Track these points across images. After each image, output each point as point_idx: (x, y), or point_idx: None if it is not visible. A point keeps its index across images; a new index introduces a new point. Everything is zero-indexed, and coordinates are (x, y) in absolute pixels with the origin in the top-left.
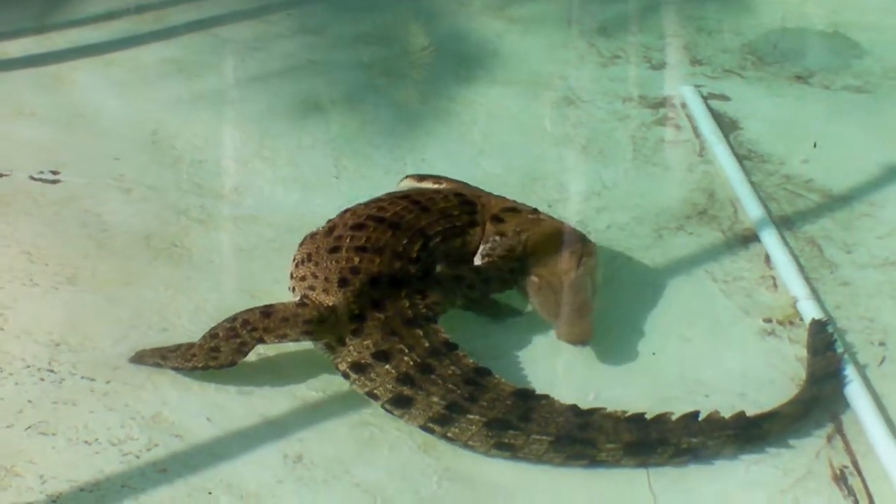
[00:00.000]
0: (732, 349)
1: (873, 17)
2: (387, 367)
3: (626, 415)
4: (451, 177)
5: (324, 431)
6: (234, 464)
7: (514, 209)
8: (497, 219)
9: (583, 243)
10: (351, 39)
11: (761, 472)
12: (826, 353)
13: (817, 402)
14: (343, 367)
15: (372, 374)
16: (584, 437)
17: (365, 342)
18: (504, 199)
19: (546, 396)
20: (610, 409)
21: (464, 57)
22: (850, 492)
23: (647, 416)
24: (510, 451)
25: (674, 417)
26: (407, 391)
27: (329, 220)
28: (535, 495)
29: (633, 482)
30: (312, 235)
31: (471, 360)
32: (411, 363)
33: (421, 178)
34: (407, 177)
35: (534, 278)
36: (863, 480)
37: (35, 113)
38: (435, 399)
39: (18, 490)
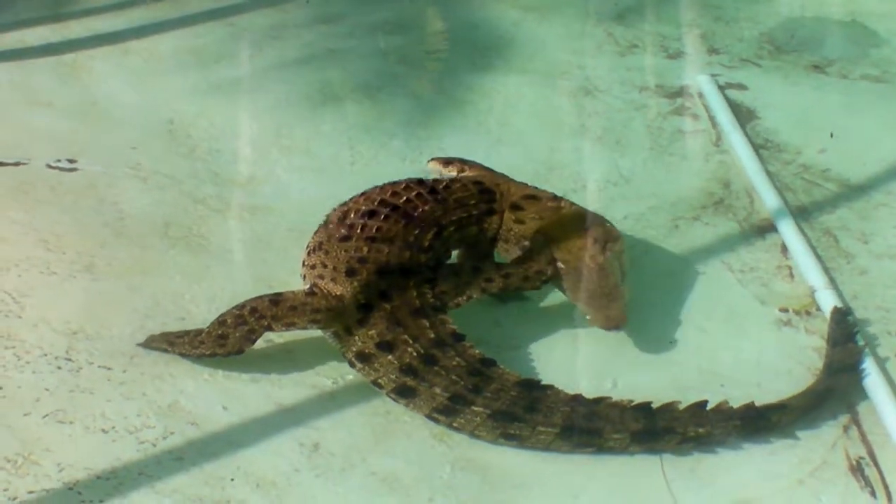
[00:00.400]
0: (749, 339)
1: (892, 6)
2: (390, 357)
3: (633, 404)
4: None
5: (340, 420)
6: (251, 452)
7: (535, 196)
8: (516, 206)
9: (606, 228)
10: (368, 28)
11: (778, 462)
12: (846, 344)
13: (829, 395)
14: (349, 355)
15: (376, 364)
16: (591, 427)
17: (370, 332)
18: (526, 186)
19: (551, 386)
20: (626, 397)
21: (480, 45)
22: (867, 483)
23: (654, 405)
24: (517, 440)
25: (682, 406)
26: (410, 382)
27: (343, 203)
28: (549, 484)
29: (649, 473)
30: (326, 223)
31: (477, 351)
32: (415, 354)
33: (447, 161)
34: (433, 159)
35: (561, 265)
36: (879, 471)
37: (52, 102)
38: (438, 391)
39: (36, 478)
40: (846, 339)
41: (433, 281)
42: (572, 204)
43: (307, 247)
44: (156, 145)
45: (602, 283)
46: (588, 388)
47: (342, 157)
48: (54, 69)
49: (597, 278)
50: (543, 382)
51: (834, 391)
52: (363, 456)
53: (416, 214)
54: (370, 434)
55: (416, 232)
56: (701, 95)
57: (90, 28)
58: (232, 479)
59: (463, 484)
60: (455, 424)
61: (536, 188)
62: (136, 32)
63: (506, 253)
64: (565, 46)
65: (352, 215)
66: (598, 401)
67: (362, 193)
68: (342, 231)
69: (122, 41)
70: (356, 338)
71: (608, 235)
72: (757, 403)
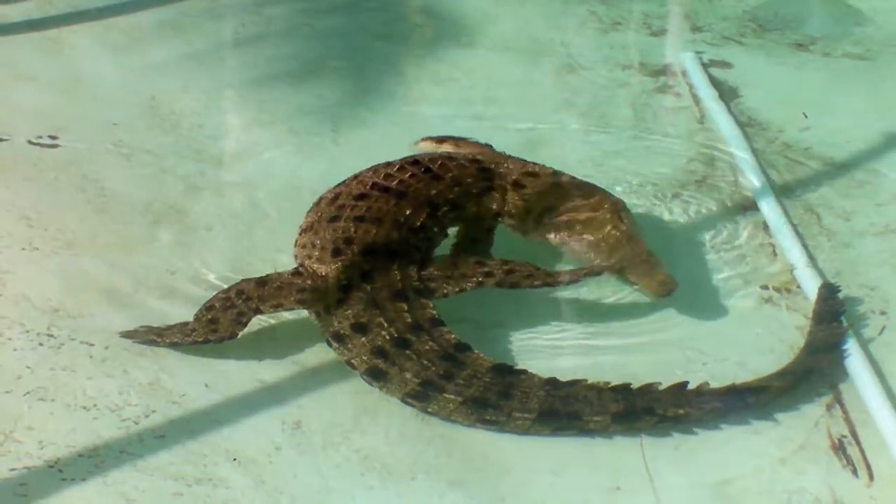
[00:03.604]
0: (731, 317)
1: None
2: (363, 339)
3: (611, 385)
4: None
5: (322, 398)
6: (233, 430)
7: (534, 173)
8: (518, 184)
9: (611, 197)
10: (350, 4)
11: (760, 441)
12: (831, 323)
13: (809, 375)
14: (326, 335)
15: (349, 345)
16: (569, 411)
17: (346, 312)
18: (525, 162)
19: (525, 371)
20: (609, 377)
21: (464, 22)
22: (849, 461)
23: (634, 386)
24: (495, 426)
25: (662, 387)
26: (381, 364)
27: (336, 186)
28: (531, 461)
29: (631, 451)
30: (319, 202)
31: (453, 336)
32: (388, 337)
33: (440, 140)
34: (424, 138)
35: (586, 237)
36: (861, 450)
37: (34, 77)
38: (409, 375)
39: (17, 455)
40: (832, 317)
41: (422, 263)
42: (572, 178)
43: (300, 226)
44: (138, 121)
45: (636, 249)
46: (571, 367)
47: (324, 134)
48: (37, 45)
49: (629, 246)
50: (518, 367)
51: (814, 370)
52: (345, 434)
53: (408, 193)
54: (352, 412)
55: (408, 212)
56: (684, 73)
57: (73, 4)
58: (213, 457)
59: (445, 462)
60: (430, 410)
61: (535, 164)
62: (119, 8)
63: (512, 228)
64: (548, 24)
65: (343, 197)
66: (575, 383)
67: (355, 176)
68: (332, 211)
69: (105, 17)
70: (334, 318)
71: (616, 204)
72: (738, 383)
